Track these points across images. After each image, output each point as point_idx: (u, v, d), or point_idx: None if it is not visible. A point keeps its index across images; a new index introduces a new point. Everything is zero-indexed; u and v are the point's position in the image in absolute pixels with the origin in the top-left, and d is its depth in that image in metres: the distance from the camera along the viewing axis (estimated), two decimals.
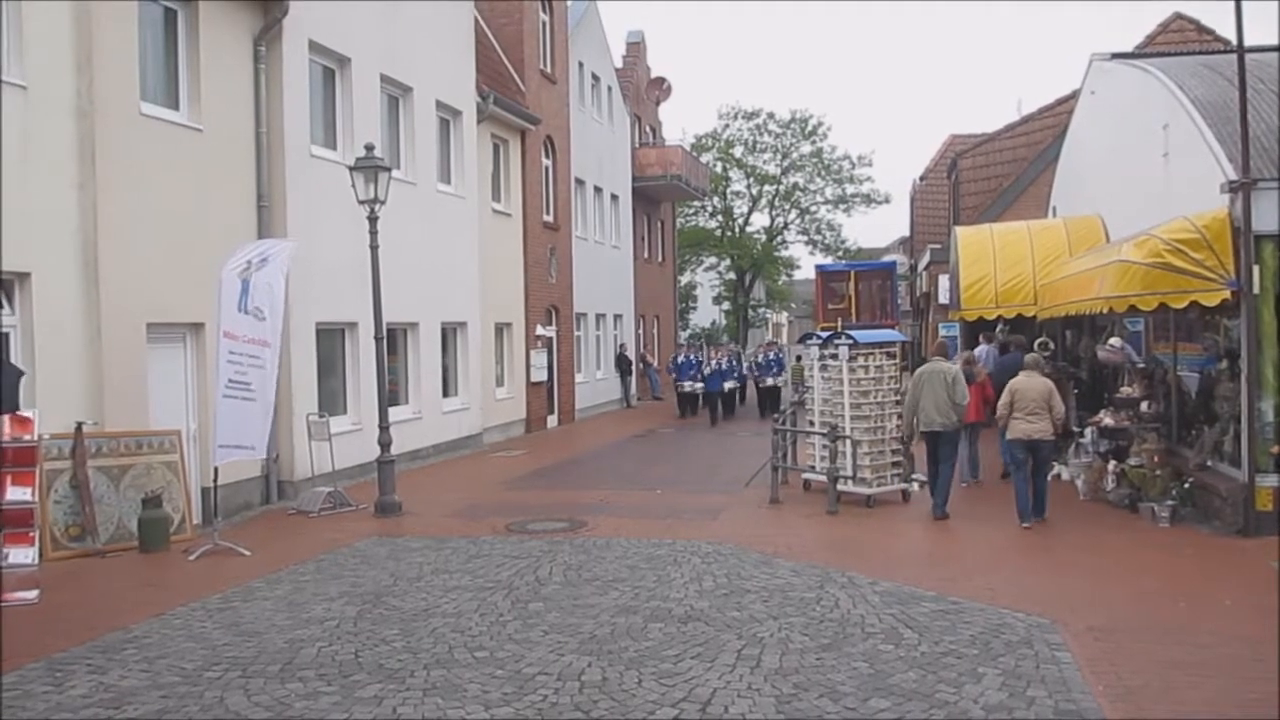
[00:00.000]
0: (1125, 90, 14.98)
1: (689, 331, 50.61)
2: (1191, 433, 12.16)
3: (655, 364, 33.87)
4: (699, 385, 26.57)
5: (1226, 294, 10.07)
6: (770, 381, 27.05)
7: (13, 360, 9.96)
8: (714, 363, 26.70)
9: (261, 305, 11.15)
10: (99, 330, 10.94)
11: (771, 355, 28.09)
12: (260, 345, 11.14)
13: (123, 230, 11.24)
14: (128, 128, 11.44)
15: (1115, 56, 16.42)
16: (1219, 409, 11.27)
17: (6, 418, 9.07)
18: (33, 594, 8.76)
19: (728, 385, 26.76)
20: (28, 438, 9.24)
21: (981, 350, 16.77)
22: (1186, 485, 11.30)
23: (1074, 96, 19.76)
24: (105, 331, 11.01)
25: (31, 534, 9.10)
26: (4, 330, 10.04)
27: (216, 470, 11.05)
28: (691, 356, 27.79)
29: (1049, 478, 12.02)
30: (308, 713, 6.05)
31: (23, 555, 8.93)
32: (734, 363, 27.90)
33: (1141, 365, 13.50)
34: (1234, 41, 10.57)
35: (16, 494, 9.06)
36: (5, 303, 10.17)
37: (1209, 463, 11.40)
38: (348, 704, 6.18)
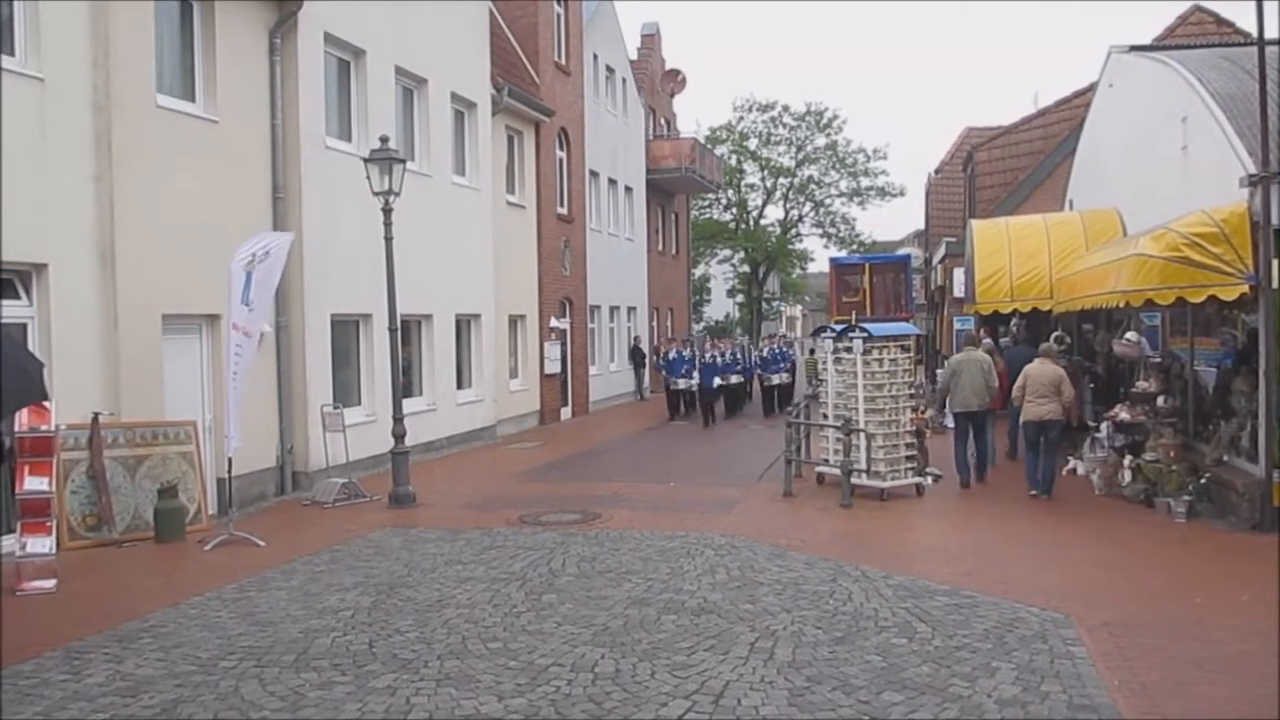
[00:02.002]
0: (1143, 83, 14.89)
1: (702, 324, 50.57)
2: (1208, 428, 12.09)
3: None
4: (693, 382, 23.87)
5: (1245, 288, 9.99)
6: (776, 379, 24.88)
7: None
8: (709, 355, 24.02)
9: (255, 297, 11.18)
10: (115, 321, 11.00)
11: (778, 349, 25.88)
12: (246, 335, 11.18)
13: (139, 222, 11.28)
14: (144, 120, 11.47)
15: (1134, 49, 16.32)
16: (1236, 404, 11.21)
17: (25, 408, 9.12)
18: (50, 583, 8.83)
19: (731, 380, 24.42)
20: (45, 428, 9.30)
21: (988, 345, 16.93)
22: (1203, 480, 11.24)
23: (1092, 89, 19.65)
24: (122, 322, 11.06)
25: (49, 523, 9.16)
26: (21, 321, 10.09)
27: (231, 461, 11.10)
28: (684, 352, 24.93)
29: (1063, 470, 12.21)
30: (322, 702, 6.08)
31: (40, 544, 9.00)
32: (737, 356, 25.54)
33: (1157, 359, 13.43)
34: (1254, 34, 10.48)
35: (34, 484, 9.13)
36: (23, 293, 10.23)
37: (1225, 458, 11.34)
38: (362, 694, 6.21)
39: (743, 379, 25.78)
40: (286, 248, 11.75)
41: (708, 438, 20.56)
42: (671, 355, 24.96)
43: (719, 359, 24.02)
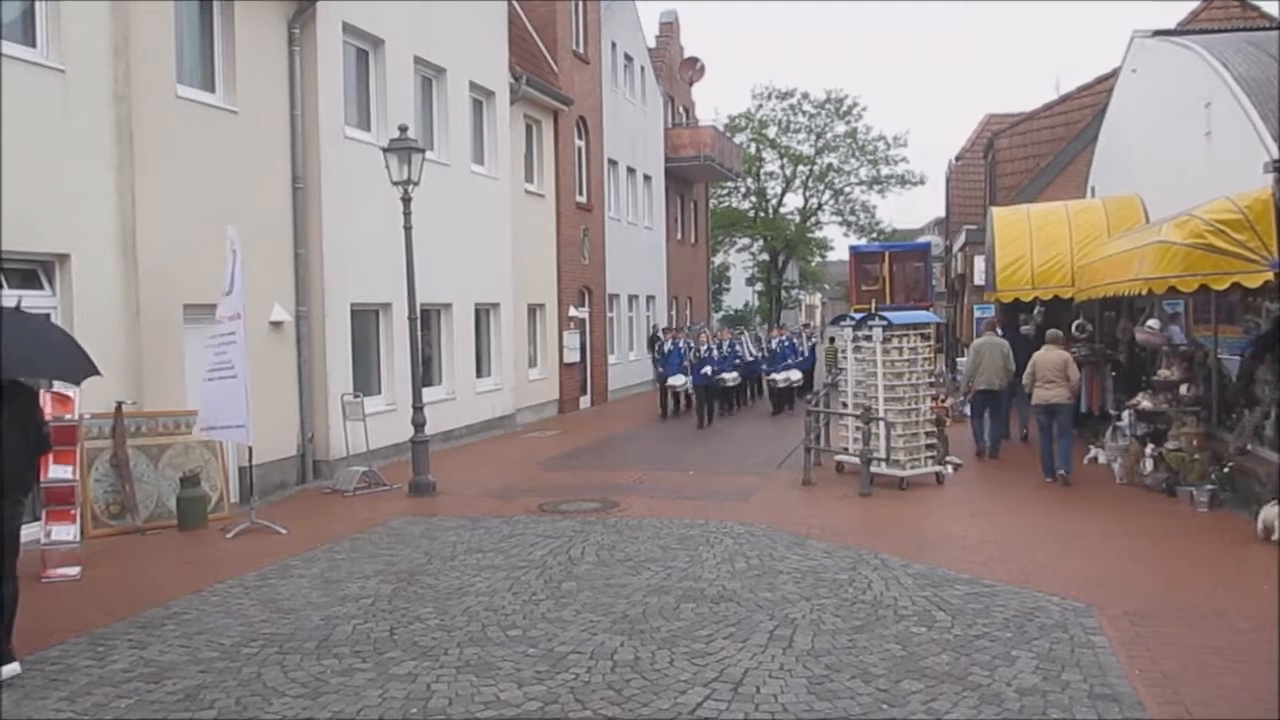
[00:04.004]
0: (1167, 68, 14.74)
1: (721, 313, 50.49)
2: (1231, 416, 11.98)
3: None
4: (688, 380, 21.27)
5: (1269, 275, 9.85)
6: (782, 378, 22.41)
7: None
8: (702, 349, 21.23)
9: (235, 280, 11.04)
10: (137, 311, 11.07)
11: (788, 342, 23.52)
12: (234, 320, 10.94)
13: (160, 212, 11.34)
14: (164, 111, 11.54)
15: (1157, 34, 16.16)
16: (1260, 392, 11.09)
17: (49, 396, 9.20)
18: (75, 570, 8.92)
19: (728, 377, 21.73)
20: (69, 417, 9.38)
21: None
22: (1225, 469, 11.14)
23: (1114, 75, 19.49)
24: (143, 312, 11.14)
25: (73, 511, 9.25)
26: (44, 311, 10.17)
27: (251, 450, 11.16)
28: (680, 344, 21.89)
29: (1084, 459, 12.19)
30: (343, 689, 6.13)
31: (65, 532, 9.09)
32: (735, 349, 22.68)
33: (1185, 346, 13.28)
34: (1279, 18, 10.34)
35: (58, 472, 9.20)
36: (45, 283, 10.31)
37: (1249, 446, 11.24)
38: (382, 681, 6.25)
39: (740, 377, 22.75)
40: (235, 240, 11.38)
41: (730, 426, 20.47)
42: (667, 348, 22.07)
43: (714, 352, 21.49)
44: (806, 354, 24.71)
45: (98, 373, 7.36)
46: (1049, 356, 12.91)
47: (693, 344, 21.80)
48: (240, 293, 10.89)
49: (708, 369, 20.84)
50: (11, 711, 5.88)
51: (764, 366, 23.50)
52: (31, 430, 6.58)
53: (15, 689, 6.18)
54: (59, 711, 5.89)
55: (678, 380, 21.68)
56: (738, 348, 23.02)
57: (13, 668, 6.34)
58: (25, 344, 6.67)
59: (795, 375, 22.84)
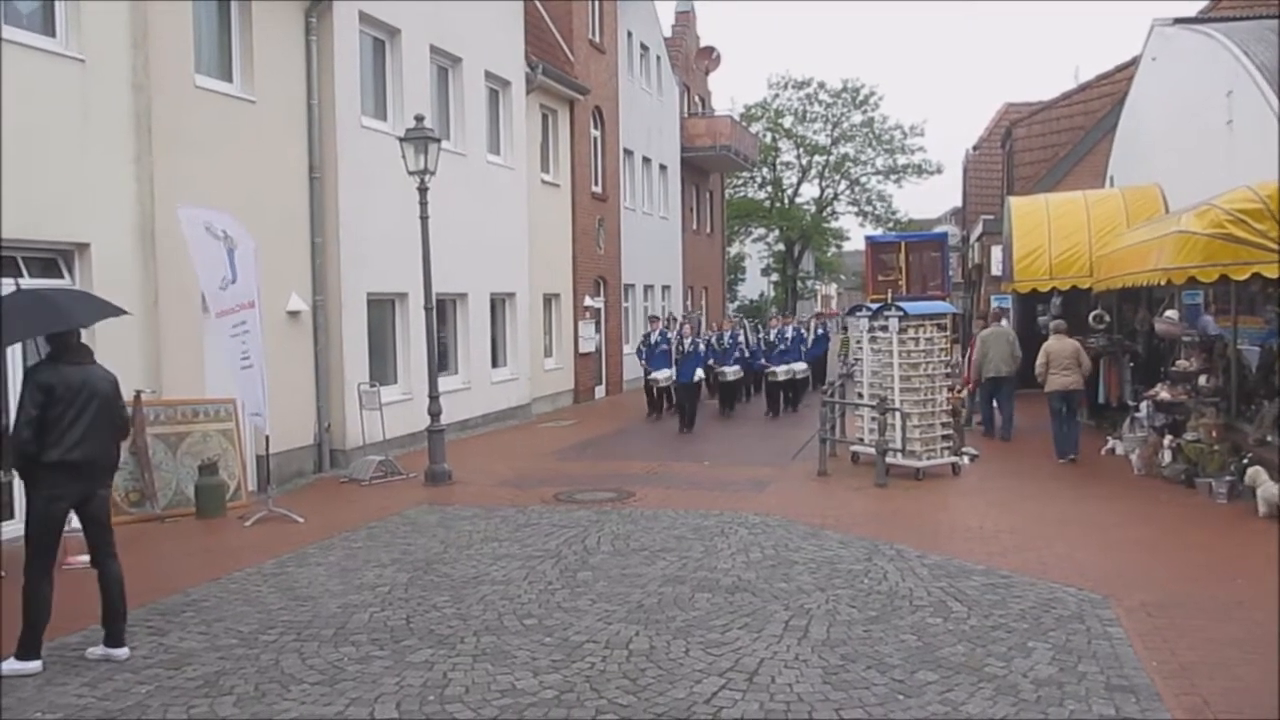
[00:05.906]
0: (1187, 56, 14.62)
1: (736, 303, 50.42)
2: (1251, 407, 11.90)
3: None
4: (672, 374, 18.76)
5: None
6: (782, 373, 20.31)
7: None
8: (687, 342, 18.59)
9: (237, 269, 10.89)
10: (156, 299, 11.13)
11: (789, 332, 21.39)
12: (247, 309, 10.83)
13: (178, 201, 11.35)
14: (183, 100, 11.58)
15: (1177, 21, 16.01)
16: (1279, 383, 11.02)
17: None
18: None
19: (728, 371, 20.05)
20: None
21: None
22: (1245, 460, 11.07)
23: (1134, 63, 19.32)
24: (162, 301, 11.20)
25: None
26: None
27: (268, 439, 11.21)
28: (669, 334, 19.35)
29: (1102, 450, 12.17)
30: (360, 676, 6.16)
31: None
32: (733, 341, 20.75)
33: (1223, 336, 13.16)
34: None
35: None
36: (66, 273, 10.38)
37: (1268, 438, 11.17)
38: (399, 668, 6.28)
39: (741, 370, 20.79)
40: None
41: (744, 418, 20.43)
42: (654, 339, 19.63)
43: (702, 346, 19.23)
44: (813, 345, 23.06)
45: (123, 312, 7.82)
46: (1062, 346, 13.64)
47: (679, 335, 19.02)
48: (249, 281, 10.82)
49: (698, 368, 18.73)
50: (34, 697, 5.94)
51: (761, 360, 21.16)
52: (116, 415, 6.82)
53: (36, 675, 6.23)
54: (80, 697, 5.94)
55: (661, 374, 19.12)
56: (739, 337, 21.33)
57: (122, 651, 6.58)
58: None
59: (799, 366, 21.02)
